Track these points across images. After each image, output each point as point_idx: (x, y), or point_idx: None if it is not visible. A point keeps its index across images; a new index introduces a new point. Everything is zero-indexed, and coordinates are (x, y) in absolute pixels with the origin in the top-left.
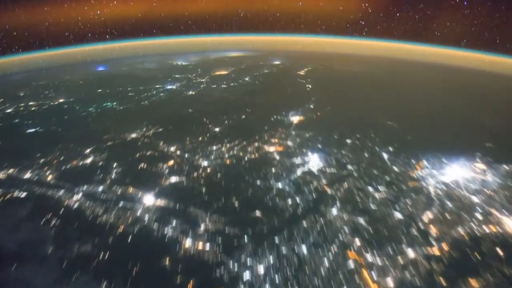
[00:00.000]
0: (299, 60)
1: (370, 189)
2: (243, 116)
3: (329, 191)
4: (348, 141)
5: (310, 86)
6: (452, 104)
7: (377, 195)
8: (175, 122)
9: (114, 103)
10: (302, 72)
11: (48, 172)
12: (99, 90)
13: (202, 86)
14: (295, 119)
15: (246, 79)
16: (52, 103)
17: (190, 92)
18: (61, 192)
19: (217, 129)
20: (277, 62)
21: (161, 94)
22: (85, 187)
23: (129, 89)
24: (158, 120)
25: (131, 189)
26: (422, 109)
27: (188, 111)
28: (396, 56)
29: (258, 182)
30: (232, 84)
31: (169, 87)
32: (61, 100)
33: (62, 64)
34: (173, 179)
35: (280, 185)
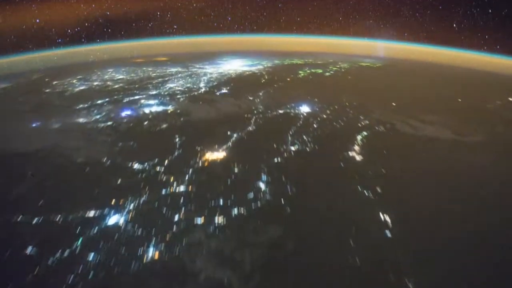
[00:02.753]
0: (336, 97)
1: None
2: None
3: None
4: None
5: (391, 233)
6: None
7: None
8: None
9: None
10: (356, 154)
11: None
12: None
13: (176, 226)
14: None
15: (263, 206)
16: None
17: (150, 253)
18: None
19: None
20: (306, 110)
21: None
22: None
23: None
24: None
25: None
26: None
27: None
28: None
29: None
30: (235, 223)
31: (110, 222)
32: None
33: None
34: None
35: None
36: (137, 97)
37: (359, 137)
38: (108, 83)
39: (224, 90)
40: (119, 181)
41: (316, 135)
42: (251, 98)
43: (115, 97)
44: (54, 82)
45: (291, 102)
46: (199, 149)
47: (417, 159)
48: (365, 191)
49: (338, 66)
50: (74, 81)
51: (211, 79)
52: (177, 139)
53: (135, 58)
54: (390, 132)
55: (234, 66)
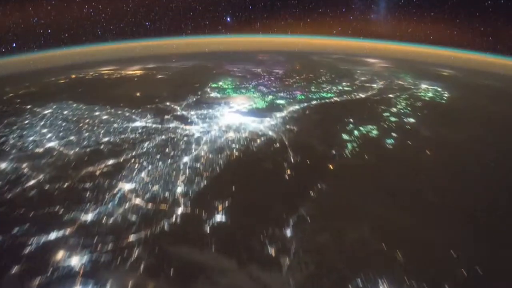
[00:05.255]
0: (441, 249)
1: None
2: None
3: None
4: None
5: None
6: None
7: None
8: None
9: None
10: None
11: None
12: None
13: None
14: None
15: None
16: None
17: None
18: None
19: None
20: None
21: None
22: None
23: None
24: None
25: None
26: None
27: None
28: None
29: None
30: None
31: None
32: None
33: None
34: None
35: None
36: (52, 239)
37: None
38: (24, 168)
39: (220, 217)
40: None
41: None
42: (271, 254)
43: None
44: None
45: (355, 272)
46: None
47: None
48: None
49: (394, 106)
50: None
51: (197, 163)
52: None
53: (105, 64)
54: None
55: (235, 116)
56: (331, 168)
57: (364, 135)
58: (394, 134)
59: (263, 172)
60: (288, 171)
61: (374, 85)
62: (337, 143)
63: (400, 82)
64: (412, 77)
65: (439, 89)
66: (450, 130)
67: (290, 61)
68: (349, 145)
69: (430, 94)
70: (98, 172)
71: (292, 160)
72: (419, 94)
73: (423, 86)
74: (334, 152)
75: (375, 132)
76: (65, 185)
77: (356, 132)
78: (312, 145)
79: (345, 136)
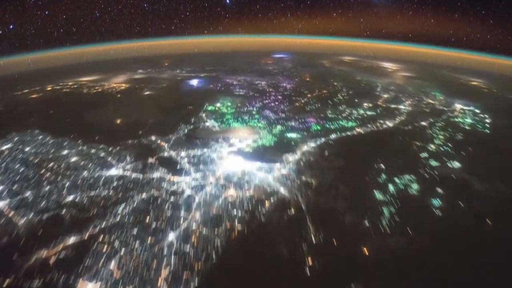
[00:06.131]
0: None
1: None
2: None
3: None
4: None
5: None
6: None
7: None
8: None
9: None
10: None
11: None
12: None
13: None
14: None
15: None
16: None
17: None
18: None
19: None
20: None
21: None
22: None
23: None
24: None
25: None
26: None
27: None
28: None
29: None
30: None
31: None
32: None
33: None
34: None
35: None
36: None
37: None
38: None
39: None
40: None
41: None
42: None
43: None
44: None
45: None
46: None
47: None
48: None
49: (431, 141)
50: None
51: (186, 244)
52: None
53: (89, 72)
54: None
55: (237, 160)
56: (366, 253)
57: (401, 191)
58: (439, 190)
59: (276, 261)
60: (309, 261)
61: (401, 107)
62: (370, 207)
63: (430, 101)
64: (441, 91)
65: (477, 111)
66: (509, 181)
67: (298, 68)
68: (385, 211)
69: (468, 120)
70: (52, 260)
71: (313, 239)
72: (456, 120)
73: (458, 106)
74: (367, 223)
75: (415, 186)
76: (6, 283)
77: (391, 187)
78: (338, 212)
79: (378, 195)
